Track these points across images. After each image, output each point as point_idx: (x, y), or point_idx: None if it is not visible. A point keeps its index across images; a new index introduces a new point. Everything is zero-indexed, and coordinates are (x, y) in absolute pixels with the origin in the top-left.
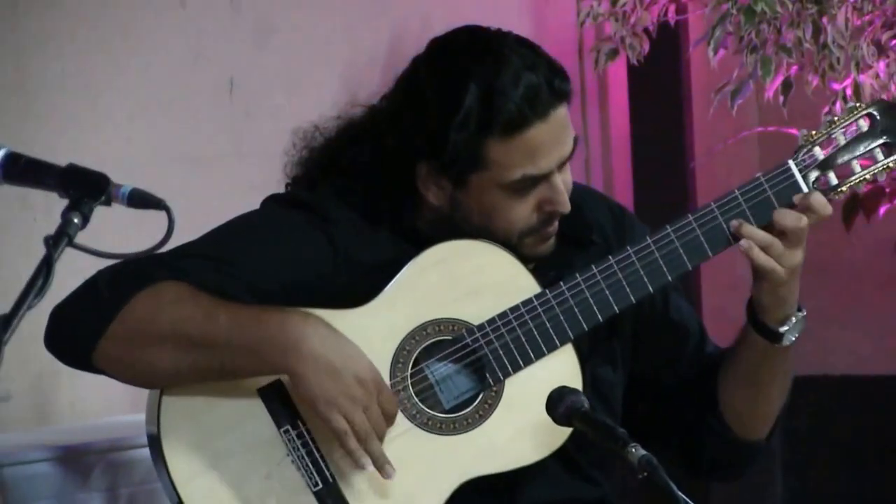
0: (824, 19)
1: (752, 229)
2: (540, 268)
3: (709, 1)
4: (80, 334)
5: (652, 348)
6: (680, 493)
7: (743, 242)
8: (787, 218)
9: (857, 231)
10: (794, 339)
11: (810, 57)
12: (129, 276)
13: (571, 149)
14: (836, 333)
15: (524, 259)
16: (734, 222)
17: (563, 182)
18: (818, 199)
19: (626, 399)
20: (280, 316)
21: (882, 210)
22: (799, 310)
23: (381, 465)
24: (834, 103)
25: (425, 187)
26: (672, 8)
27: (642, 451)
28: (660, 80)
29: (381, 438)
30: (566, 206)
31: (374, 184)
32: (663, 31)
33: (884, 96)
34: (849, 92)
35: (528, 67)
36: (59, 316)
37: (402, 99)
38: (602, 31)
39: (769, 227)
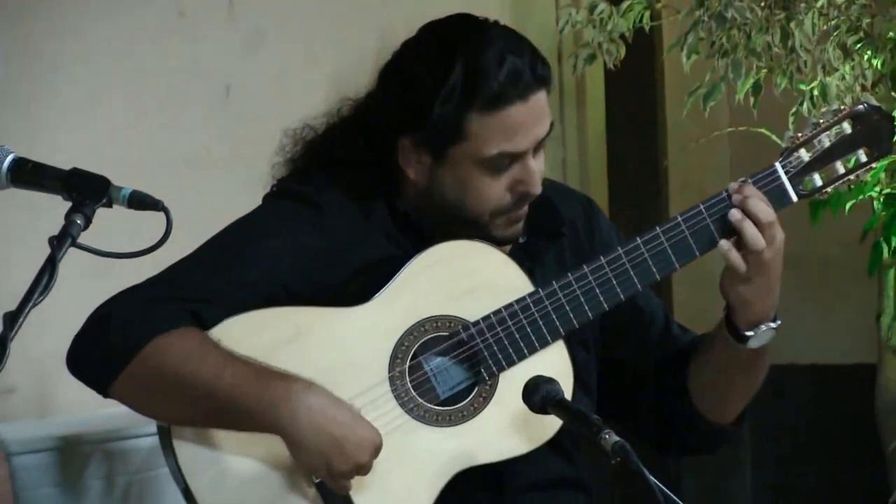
0: (792, 24)
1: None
2: (513, 258)
3: (682, 7)
4: (94, 375)
5: (619, 333)
6: (652, 478)
7: (723, 243)
8: (758, 206)
9: (825, 225)
10: (759, 344)
11: (779, 60)
12: (140, 320)
13: (547, 132)
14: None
15: (494, 241)
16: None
17: (536, 166)
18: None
19: (599, 383)
20: (283, 383)
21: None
22: (774, 320)
23: None
24: (801, 104)
25: (406, 162)
26: (647, 14)
27: (616, 438)
28: (635, 83)
29: None
30: (537, 188)
31: (363, 168)
32: (639, 36)
33: (849, 98)
34: (815, 93)
35: (512, 51)
36: (77, 353)
37: (390, 77)
38: (581, 38)
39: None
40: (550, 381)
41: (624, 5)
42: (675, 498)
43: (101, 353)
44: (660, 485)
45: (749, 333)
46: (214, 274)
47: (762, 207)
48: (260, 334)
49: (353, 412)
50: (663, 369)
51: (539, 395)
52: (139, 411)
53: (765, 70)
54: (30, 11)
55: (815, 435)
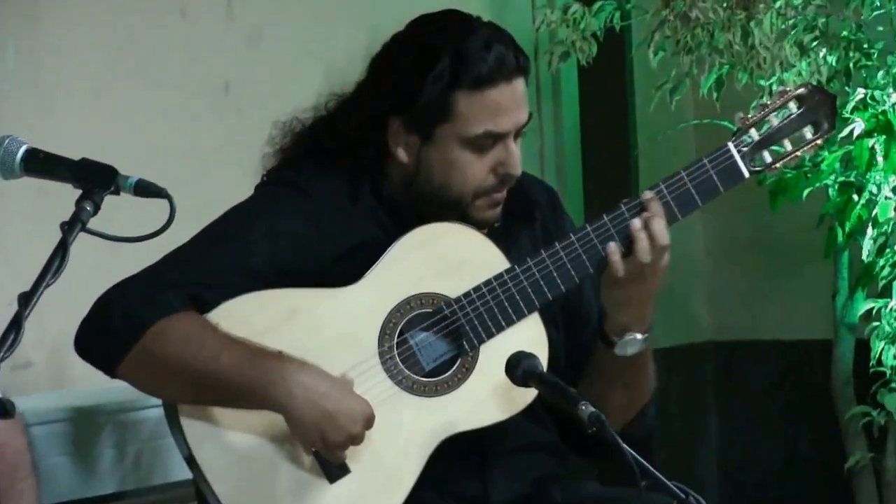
0: (752, 24)
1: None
2: (491, 240)
3: (650, 8)
4: (100, 359)
5: (567, 329)
6: (625, 446)
7: (611, 245)
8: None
9: (784, 211)
10: (624, 353)
11: (740, 57)
12: (142, 305)
13: (527, 119)
14: (767, 302)
15: (475, 224)
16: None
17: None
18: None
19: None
20: (278, 364)
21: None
22: (644, 333)
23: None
24: (762, 98)
25: (395, 143)
26: (618, 14)
27: (592, 409)
28: (607, 78)
29: None
30: (518, 170)
31: (350, 155)
32: (610, 35)
33: None
34: (774, 88)
35: (497, 40)
36: (83, 335)
37: (381, 64)
38: (555, 36)
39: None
40: (531, 356)
41: (595, 6)
42: (646, 464)
43: (105, 338)
44: (632, 452)
45: (615, 339)
46: (210, 259)
47: (661, 229)
48: (256, 315)
49: (345, 387)
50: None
51: (520, 369)
52: (145, 391)
53: (727, 66)
54: (40, 6)
55: (777, 406)
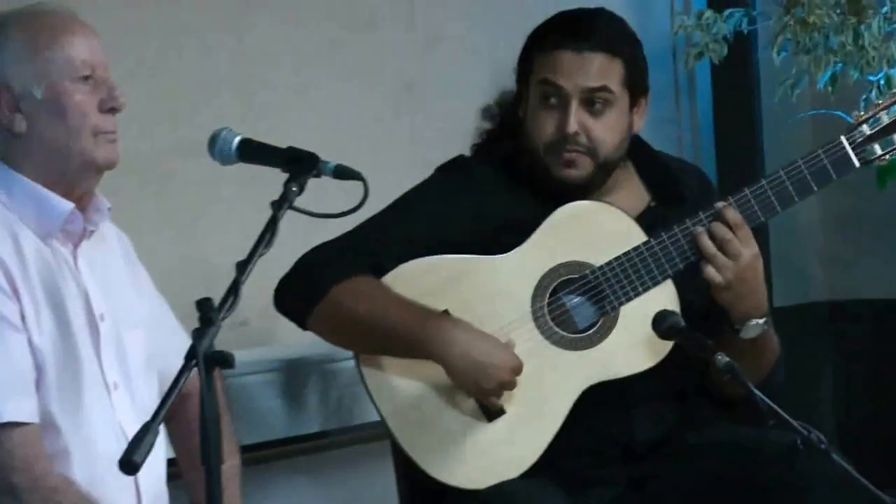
0: (862, 27)
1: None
2: (644, 219)
3: (773, 14)
4: (293, 313)
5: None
6: (756, 391)
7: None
8: (721, 229)
9: (891, 189)
10: (748, 336)
11: (851, 56)
12: (328, 268)
13: (598, 86)
14: (874, 266)
15: (557, 182)
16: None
17: (583, 122)
18: (732, 214)
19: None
20: (437, 321)
21: None
22: (763, 317)
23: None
24: (871, 92)
25: (521, 110)
26: (745, 20)
27: (727, 359)
28: (736, 75)
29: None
30: (571, 129)
31: (510, 140)
32: (738, 37)
33: None
34: (882, 83)
35: (584, 18)
36: (281, 291)
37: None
38: (691, 39)
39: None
40: (674, 313)
41: (726, 13)
42: (773, 405)
43: (296, 296)
44: (761, 395)
45: (738, 327)
46: (387, 232)
47: (736, 248)
48: (424, 278)
49: (494, 341)
50: None
51: (666, 324)
52: (331, 342)
53: (840, 64)
54: (249, 17)
55: (886, 362)
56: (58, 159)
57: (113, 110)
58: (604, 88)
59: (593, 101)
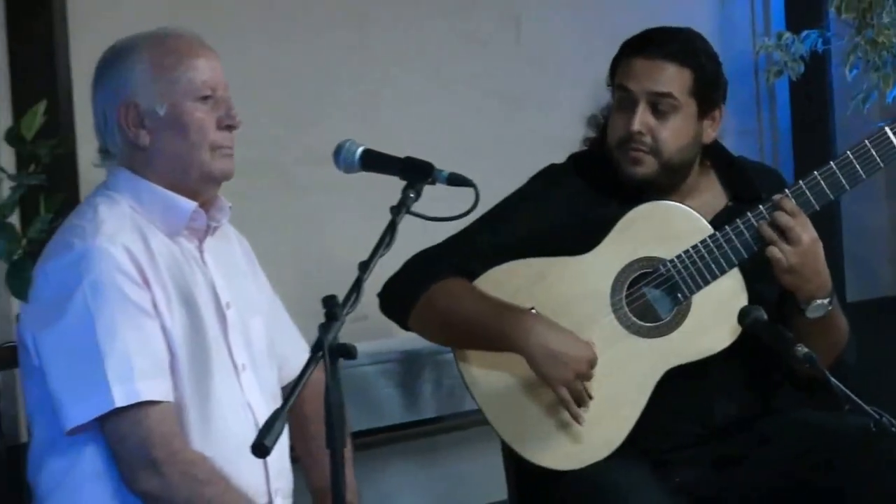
0: None
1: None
2: (721, 217)
3: (845, 36)
4: (395, 314)
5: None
6: (833, 380)
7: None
8: (781, 217)
9: None
10: (814, 316)
11: None
12: (425, 272)
13: (663, 92)
14: None
15: (625, 177)
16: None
17: (646, 123)
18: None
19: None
20: (517, 317)
21: None
22: (827, 297)
23: (577, 416)
24: None
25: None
26: (820, 41)
27: (805, 349)
28: (812, 90)
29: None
30: (635, 127)
31: (597, 146)
32: (814, 56)
33: None
34: None
35: (660, 33)
36: (386, 290)
37: None
38: (771, 58)
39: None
40: (757, 308)
41: (803, 34)
42: (848, 391)
43: (395, 297)
44: (837, 382)
45: (804, 307)
46: (480, 238)
47: (797, 235)
48: (512, 279)
49: (570, 334)
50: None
51: (750, 318)
52: (430, 340)
53: None
54: (372, 21)
55: None
56: (178, 171)
57: (230, 127)
58: (669, 95)
59: (658, 104)
